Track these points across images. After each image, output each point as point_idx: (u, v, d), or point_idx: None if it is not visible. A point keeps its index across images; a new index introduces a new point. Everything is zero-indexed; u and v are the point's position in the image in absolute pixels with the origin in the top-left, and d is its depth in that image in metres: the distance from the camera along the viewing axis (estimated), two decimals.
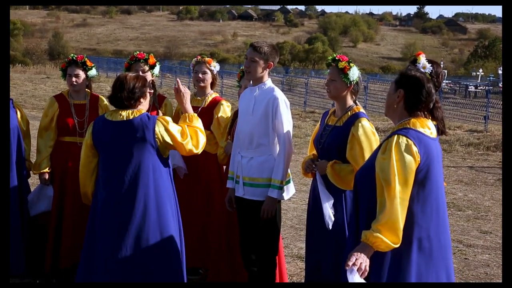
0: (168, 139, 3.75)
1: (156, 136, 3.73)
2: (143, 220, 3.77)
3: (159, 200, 3.81)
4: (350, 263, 2.74)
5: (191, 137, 3.80)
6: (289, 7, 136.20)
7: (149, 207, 3.78)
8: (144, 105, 3.87)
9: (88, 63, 4.97)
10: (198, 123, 3.91)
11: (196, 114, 3.98)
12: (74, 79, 4.91)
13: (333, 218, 3.74)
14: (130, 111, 3.78)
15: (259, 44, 4.09)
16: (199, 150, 3.85)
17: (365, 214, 2.90)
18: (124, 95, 3.75)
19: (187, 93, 3.98)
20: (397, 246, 2.78)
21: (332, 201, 3.76)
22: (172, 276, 3.87)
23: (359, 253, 2.77)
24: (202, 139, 3.86)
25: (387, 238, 2.75)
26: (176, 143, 3.77)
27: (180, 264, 3.91)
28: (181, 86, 3.97)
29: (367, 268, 2.77)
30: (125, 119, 3.76)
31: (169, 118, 3.83)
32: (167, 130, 3.74)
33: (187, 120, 3.90)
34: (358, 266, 2.74)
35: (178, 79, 4.25)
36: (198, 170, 4.92)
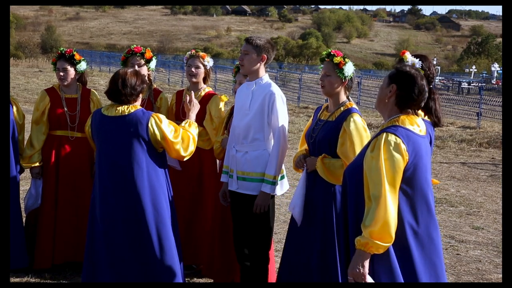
0: (159, 136, 3.79)
1: (149, 131, 3.77)
2: (139, 214, 3.80)
3: (154, 195, 3.83)
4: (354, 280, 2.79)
5: (183, 139, 3.86)
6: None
7: (145, 202, 3.79)
8: (139, 101, 3.93)
9: (77, 56, 4.91)
10: (195, 130, 4.00)
11: (197, 124, 4.08)
12: (61, 73, 4.88)
13: (298, 217, 3.79)
14: (126, 106, 3.84)
15: (252, 38, 4.11)
16: (186, 155, 3.91)
17: (354, 210, 2.90)
18: (127, 91, 3.81)
19: (197, 106, 4.16)
20: (390, 244, 2.77)
21: (299, 204, 3.78)
22: (169, 273, 3.86)
23: (357, 271, 2.78)
24: (192, 147, 3.93)
25: (379, 241, 2.74)
26: (165, 141, 3.81)
27: (177, 260, 3.92)
28: (194, 99, 4.15)
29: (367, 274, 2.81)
30: (120, 114, 3.81)
31: (163, 117, 3.86)
32: (159, 127, 3.79)
33: (186, 124, 3.99)
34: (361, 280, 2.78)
35: (192, 92, 4.33)
36: (192, 166, 4.89)
